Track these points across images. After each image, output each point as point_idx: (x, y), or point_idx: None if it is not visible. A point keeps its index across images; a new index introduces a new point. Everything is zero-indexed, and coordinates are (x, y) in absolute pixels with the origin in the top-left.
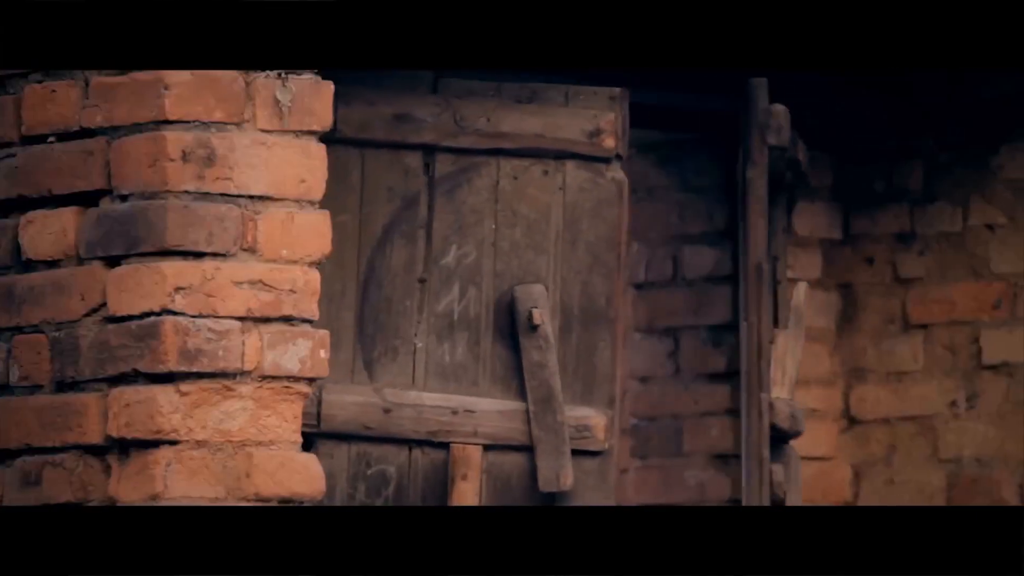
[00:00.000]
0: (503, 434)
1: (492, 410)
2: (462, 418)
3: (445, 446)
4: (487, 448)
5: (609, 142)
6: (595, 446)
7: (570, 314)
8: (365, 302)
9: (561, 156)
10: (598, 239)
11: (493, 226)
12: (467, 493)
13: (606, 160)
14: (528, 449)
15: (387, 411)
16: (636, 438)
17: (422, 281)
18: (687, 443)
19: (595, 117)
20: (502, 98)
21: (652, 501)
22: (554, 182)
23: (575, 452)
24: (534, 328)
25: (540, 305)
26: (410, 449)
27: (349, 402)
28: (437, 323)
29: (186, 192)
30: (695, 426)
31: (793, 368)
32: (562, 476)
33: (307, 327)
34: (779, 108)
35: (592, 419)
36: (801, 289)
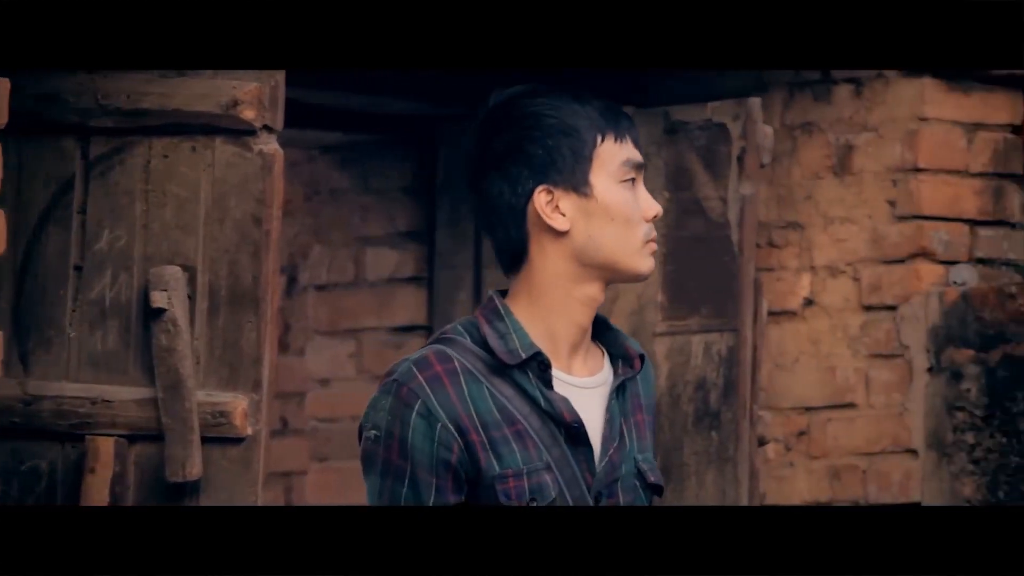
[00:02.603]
0: (140, 423)
1: (130, 399)
2: (100, 408)
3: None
4: (132, 439)
5: (248, 113)
6: (233, 432)
7: (218, 295)
8: (21, 293)
9: (210, 132)
10: (244, 216)
11: (144, 208)
12: (94, 487)
13: (251, 132)
14: (163, 438)
15: (28, 404)
16: (316, 439)
17: (78, 268)
18: None
19: (233, 89)
20: (146, 73)
21: (331, 503)
22: (203, 159)
23: (215, 440)
24: (156, 312)
25: (171, 288)
26: (62, 444)
27: None
28: (90, 311)
29: None
30: None
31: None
32: (189, 465)
33: None
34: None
35: (230, 404)
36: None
